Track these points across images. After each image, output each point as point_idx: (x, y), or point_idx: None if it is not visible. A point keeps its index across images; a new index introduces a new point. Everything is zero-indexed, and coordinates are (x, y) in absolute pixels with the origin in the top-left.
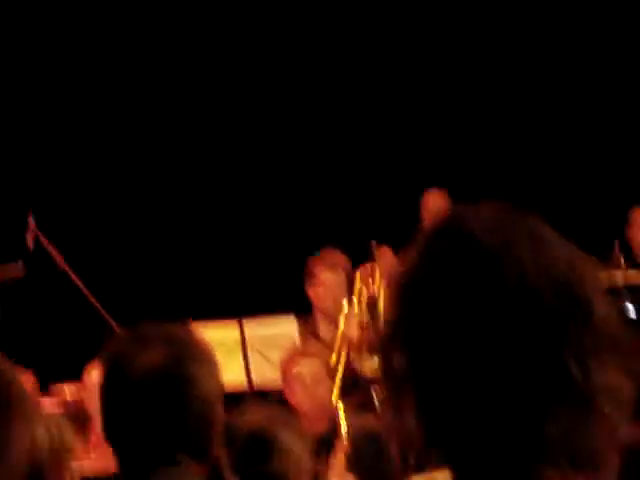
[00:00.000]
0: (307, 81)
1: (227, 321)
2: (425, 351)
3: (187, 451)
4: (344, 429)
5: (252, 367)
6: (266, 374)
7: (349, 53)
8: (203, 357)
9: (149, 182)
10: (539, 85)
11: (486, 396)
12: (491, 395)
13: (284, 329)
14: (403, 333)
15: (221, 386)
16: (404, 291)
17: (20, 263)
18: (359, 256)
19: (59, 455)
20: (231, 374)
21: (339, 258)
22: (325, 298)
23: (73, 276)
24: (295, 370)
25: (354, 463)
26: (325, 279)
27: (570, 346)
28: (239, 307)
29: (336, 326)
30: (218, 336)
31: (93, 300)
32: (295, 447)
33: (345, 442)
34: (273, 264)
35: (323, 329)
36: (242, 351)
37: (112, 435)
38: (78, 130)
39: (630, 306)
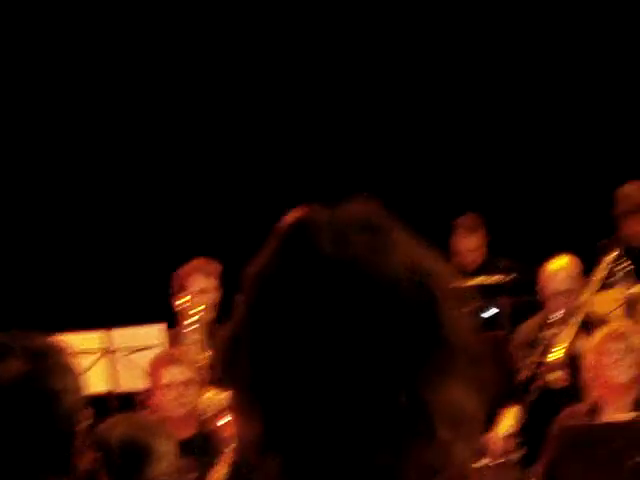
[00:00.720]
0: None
1: (94, 330)
2: (267, 359)
3: (49, 468)
4: (229, 439)
5: (119, 375)
6: (133, 381)
7: (341, 54)
8: (64, 369)
9: (12, 188)
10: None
11: (322, 410)
12: (326, 410)
13: (151, 337)
14: (247, 338)
15: (83, 398)
16: (248, 297)
17: None
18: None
19: None
20: (98, 382)
21: (211, 267)
22: (194, 306)
23: None
24: (163, 376)
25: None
26: (196, 288)
27: (414, 367)
28: (106, 317)
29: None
30: (85, 345)
31: None
32: (167, 452)
33: (229, 452)
34: (140, 275)
35: (191, 337)
36: (109, 359)
37: None
38: None
39: (485, 307)
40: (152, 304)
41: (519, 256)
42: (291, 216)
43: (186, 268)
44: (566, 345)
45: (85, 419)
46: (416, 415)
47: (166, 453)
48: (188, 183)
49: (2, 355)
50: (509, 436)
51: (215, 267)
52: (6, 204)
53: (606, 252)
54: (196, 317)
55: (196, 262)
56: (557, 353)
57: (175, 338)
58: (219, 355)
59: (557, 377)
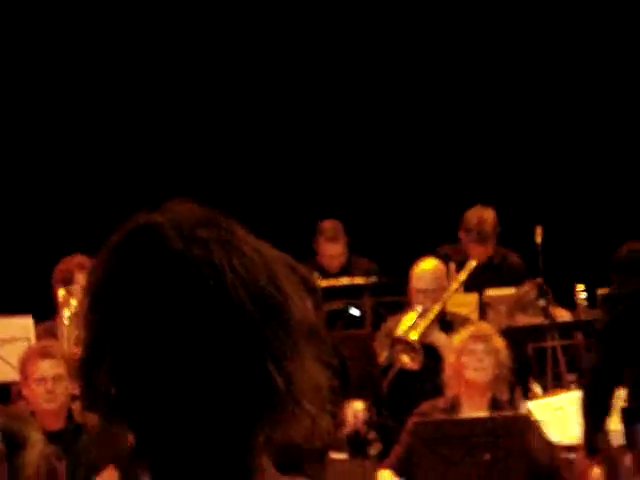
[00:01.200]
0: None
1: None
2: (126, 364)
3: None
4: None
5: None
6: (5, 373)
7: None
8: None
9: None
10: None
11: (188, 410)
12: (193, 409)
13: (20, 329)
14: (103, 347)
15: None
16: (98, 300)
17: None
18: None
19: None
20: None
21: (84, 264)
22: (75, 299)
23: None
24: (34, 370)
25: None
26: (79, 283)
27: (270, 353)
28: None
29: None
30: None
31: None
32: (38, 440)
33: None
34: (12, 265)
35: (66, 329)
36: None
37: None
38: None
39: (353, 307)
40: (17, 295)
41: (378, 258)
42: (124, 226)
43: (70, 263)
44: (421, 330)
45: None
46: (291, 398)
47: (37, 441)
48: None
49: None
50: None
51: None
52: None
53: (448, 258)
54: (74, 310)
55: (81, 258)
56: (412, 334)
57: (47, 331)
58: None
59: (411, 358)
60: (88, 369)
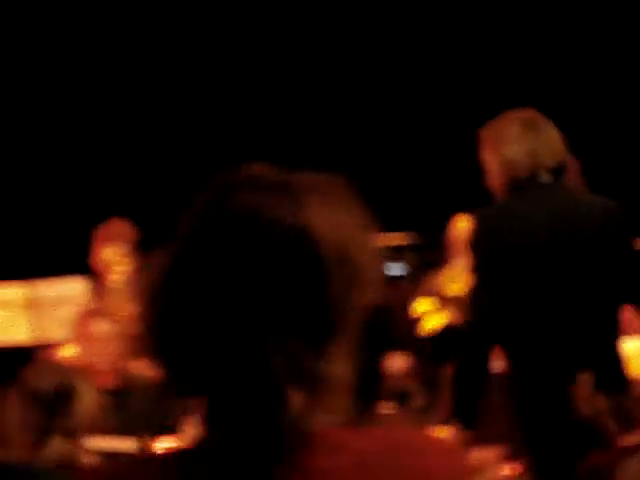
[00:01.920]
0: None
1: (16, 282)
2: (180, 306)
3: None
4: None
5: (43, 326)
6: (57, 332)
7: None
8: None
9: None
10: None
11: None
12: (224, 349)
13: (73, 289)
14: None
15: None
16: (171, 252)
17: None
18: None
19: None
20: (20, 333)
21: (122, 229)
22: (117, 261)
23: None
24: (90, 329)
25: None
26: (117, 246)
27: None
28: (28, 269)
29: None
30: (6, 296)
31: None
32: (90, 394)
33: None
34: (64, 227)
35: (115, 291)
36: (32, 310)
37: None
38: None
39: (392, 264)
40: (71, 257)
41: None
42: (206, 188)
43: (112, 226)
44: (463, 285)
45: None
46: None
47: (90, 393)
48: (116, 142)
49: None
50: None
51: (133, 230)
52: None
53: None
54: (120, 271)
55: (121, 222)
56: (453, 288)
57: (97, 292)
58: (138, 307)
59: (453, 312)
60: (149, 302)
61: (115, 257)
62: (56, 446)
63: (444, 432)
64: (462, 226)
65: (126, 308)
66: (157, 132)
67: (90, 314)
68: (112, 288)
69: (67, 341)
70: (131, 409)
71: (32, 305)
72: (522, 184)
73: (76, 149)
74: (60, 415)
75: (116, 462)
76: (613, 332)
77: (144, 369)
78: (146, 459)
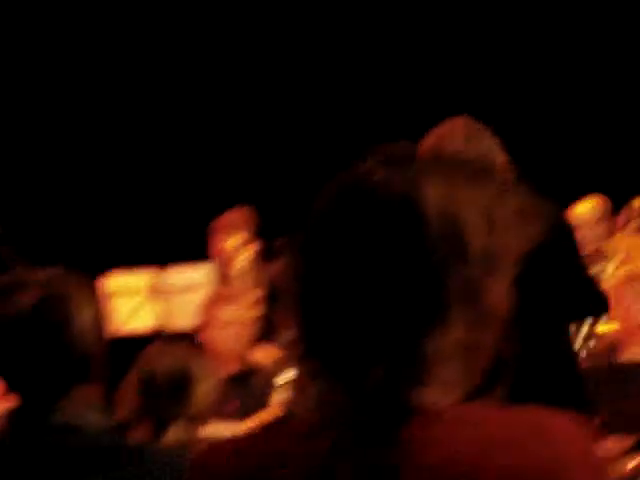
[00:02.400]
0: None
1: (144, 268)
2: (315, 282)
3: (79, 381)
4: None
5: (170, 313)
6: (183, 319)
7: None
8: (80, 298)
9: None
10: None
11: (368, 315)
12: (372, 315)
13: (198, 277)
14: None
15: (101, 325)
16: (306, 233)
17: None
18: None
19: None
20: (146, 321)
21: (240, 218)
22: (242, 248)
23: None
24: (219, 314)
25: None
26: (241, 233)
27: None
28: (153, 257)
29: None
30: (132, 284)
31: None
32: (209, 377)
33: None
34: (191, 214)
35: (240, 277)
36: (159, 297)
37: (6, 376)
38: None
39: None
40: (196, 244)
41: None
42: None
43: (233, 215)
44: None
45: (102, 344)
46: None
47: (208, 380)
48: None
49: (16, 288)
50: None
51: (253, 218)
52: (60, 140)
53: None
54: (243, 259)
55: (242, 211)
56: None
57: (222, 279)
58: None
59: None
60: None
61: (237, 245)
62: (176, 432)
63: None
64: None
65: (249, 294)
66: (282, 123)
67: (215, 300)
68: (235, 275)
69: (193, 329)
70: (253, 394)
71: (158, 293)
72: None
73: (202, 140)
74: (178, 400)
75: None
76: None
77: (266, 355)
78: (269, 427)
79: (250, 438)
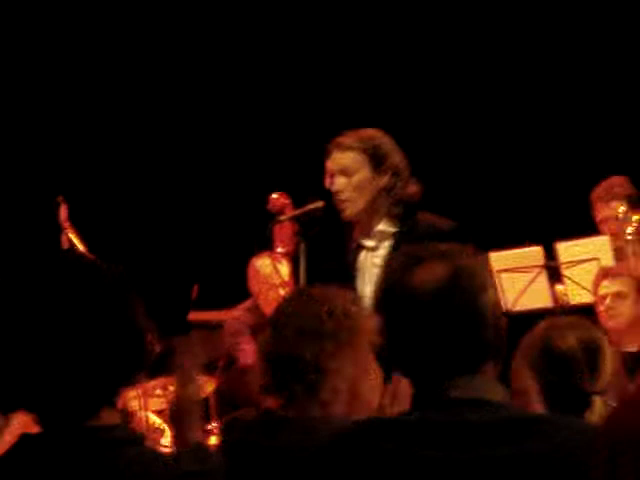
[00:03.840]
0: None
1: (536, 245)
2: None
3: (486, 359)
4: None
5: (564, 289)
6: (576, 295)
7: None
8: (476, 272)
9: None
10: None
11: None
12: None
13: (595, 250)
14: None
15: (494, 298)
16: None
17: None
18: None
19: None
20: (542, 298)
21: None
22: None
23: None
24: (599, 289)
25: None
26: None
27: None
28: (547, 232)
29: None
30: (527, 260)
31: None
32: (611, 354)
33: None
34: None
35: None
36: (550, 274)
37: (398, 356)
38: None
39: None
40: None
41: None
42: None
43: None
44: None
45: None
46: None
47: (611, 355)
48: None
49: (429, 257)
50: None
51: (630, 186)
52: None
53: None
54: (633, 229)
55: (614, 180)
56: None
57: (617, 254)
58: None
59: None
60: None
61: (617, 214)
62: (599, 406)
63: None
64: None
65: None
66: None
67: (601, 274)
68: (624, 246)
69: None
70: None
71: (549, 269)
72: None
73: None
74: (595, 374)
75: None
76: None
77: None
78: None
79: None
